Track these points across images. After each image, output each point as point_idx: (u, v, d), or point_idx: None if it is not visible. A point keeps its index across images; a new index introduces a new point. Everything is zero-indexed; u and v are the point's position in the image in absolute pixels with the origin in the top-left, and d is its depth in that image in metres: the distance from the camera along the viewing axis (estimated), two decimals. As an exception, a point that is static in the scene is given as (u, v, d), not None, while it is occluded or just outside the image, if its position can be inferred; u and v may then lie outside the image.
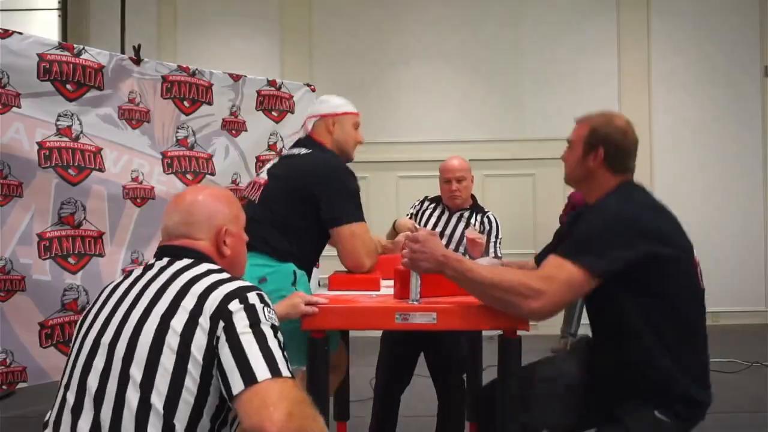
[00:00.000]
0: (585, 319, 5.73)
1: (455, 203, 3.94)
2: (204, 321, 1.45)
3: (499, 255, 3.85)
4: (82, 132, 3.71)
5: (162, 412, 1.39)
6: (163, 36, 8.07)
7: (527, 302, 2.04)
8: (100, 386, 1.46)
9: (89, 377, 1.50)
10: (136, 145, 4.00)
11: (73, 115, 3.68)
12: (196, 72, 4.39)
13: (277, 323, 1.51)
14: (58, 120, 3.61)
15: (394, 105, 8.15)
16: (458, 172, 3.89)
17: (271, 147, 4.94)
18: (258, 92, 4.83)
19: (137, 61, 4.04)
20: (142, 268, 1.70)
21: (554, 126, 7.97)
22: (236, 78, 4.67)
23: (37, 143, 3.50)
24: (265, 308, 1.50)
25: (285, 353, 1.44)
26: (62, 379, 1.60)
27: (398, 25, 8.17)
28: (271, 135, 4.94)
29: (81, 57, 3.71)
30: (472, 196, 4.10)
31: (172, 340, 1.44)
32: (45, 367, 3.52)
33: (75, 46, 3.73)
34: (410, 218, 3.96)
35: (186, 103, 4.32)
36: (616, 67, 8.11)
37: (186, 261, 1.66)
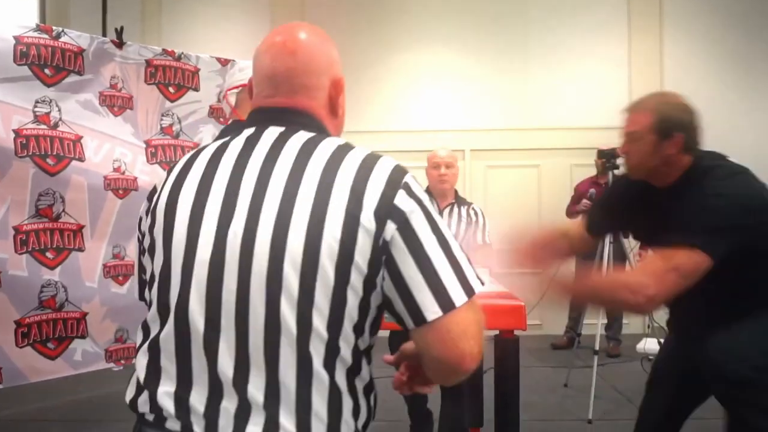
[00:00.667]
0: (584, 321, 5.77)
1: (444, 188, 4.19)
2: (367, 220, 1.22)
3: (488, 241, 4.21)
4: (61, 119, 3.72)
5: (326, 335, 1.22)
6: (147, 18, 8.08)
7: (642, 294, 2.13)
8: (240, 301, 1.23)
9: (222, 291, 1.25)
10: (118, 133, 4.01)
11: (51, 101, 3.69)
12: (182, 56, 4.40)
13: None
14: (35, 106, 3.62)
15: (391, 92, 8.16)
16: (447, 158, 4.17)
17: (261, 135, 4.97)
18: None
19: (119, 44, 4.04)
20: (242, 140, 1.38)
21: (560, 114, 8.00)
22: (224, 62, 4.68)
23: (14, 131, 3.51)
24: (430, 199, 1.33)
25: (464, 253, 1.30)
26: (158, 302, 1.33)
27: (397, 7, 8.18)
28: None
29: (60, 40, 3.72)
30: (455, 191, 4.34)
31: (331, 244, 1.21)
32: (21, 367, 3.53)
33: (54, 28, 3.73)
34: None
35: (171, 89, 4.34)
36: (626, 52, 8.12)
37: (306, 134, 1.37)
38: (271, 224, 1.24)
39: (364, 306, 1.24)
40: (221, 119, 4.64)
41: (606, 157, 5.37)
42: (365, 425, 1.32)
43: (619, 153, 2.50)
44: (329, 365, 1.23)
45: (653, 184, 2.44)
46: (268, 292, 1.21)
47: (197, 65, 4.49)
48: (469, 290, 1.25)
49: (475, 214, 4.25)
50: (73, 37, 3.79)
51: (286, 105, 1.43)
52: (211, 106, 4.58)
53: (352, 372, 1.26)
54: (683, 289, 2.14)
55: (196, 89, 4.49)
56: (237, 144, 1.37)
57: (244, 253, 1.24)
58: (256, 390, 1.22)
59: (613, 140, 6.96)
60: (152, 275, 1.35)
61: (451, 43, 8.14)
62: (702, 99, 8.29)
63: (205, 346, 1.25)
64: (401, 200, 1.25)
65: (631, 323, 7.64)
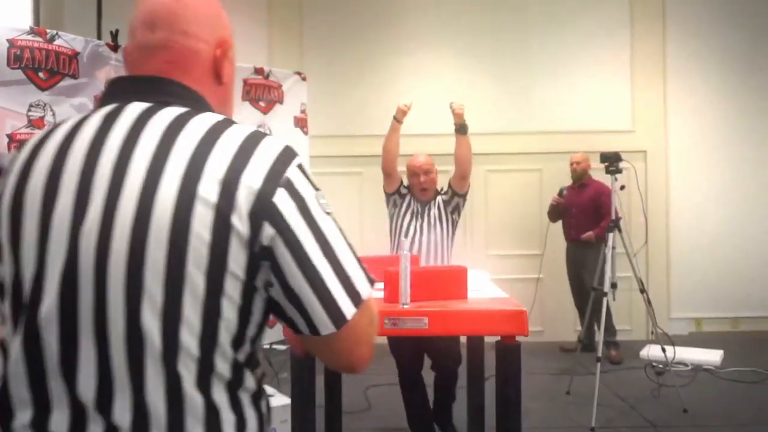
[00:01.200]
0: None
1: (427, 197, 4.48)
2: (239, 221, 1.09)
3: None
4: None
5: (198, 352, 1.11)
6: (143, 20, 8.08)
7: None
8: (99, 314, 1.10)
9: (79, 303, 1.10)
10: (113, 137, 4.01)
11: (45, 105, 3.70)
12: (178, 59, 4.41)
13: (331, 207, 1.22)
14: (29, 110, 3.63)
15: (391, 94, 8.15)
16: (425, 165, 4.47)
17: (258, 140, 4.97)
18: (244, 81, 4.85)
19: (115, 47, 4.05)
20: (99, 119, 1.20)
21: (563, 117, 8.00)
22: (221, 66, 4.69)
23: (7, 135, 3.52)
24: (317, 193, 1.20)
25: (352, 250, 1.22)
26: (10, 318, 1.17)
27: (397, 9, 8.18)
28: (258, 127, 4.91)
29: (54, 43, 3.73)
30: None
31: (198, 249, 1.08)
32: None
33: (48, 31, 3.74)
34: (402, 197, 4.58)
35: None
36: (628, 55, 8.12)
37: (175, 110, 1.19)
38: (129, 224, 1.09)
39: (244, 315, 1.14)
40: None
41: (609, 161, 5.38)
42: None
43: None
44: (203, 384, 1.12)
45: None
46: (128, 306, 1.09)
47: (193, 68, 4.49)
48: (357, 299, 1.18)
49: (442, 190, 4.60)
50: (68, 40, 3.80)
51: (155, 72, 1.25)
52: (207, 110, 4.58)
53: (233, 386, 1.16)
54: None
55: (193, 93, 4.49)
56: (93, 124, 1.19)
57: (100, 259, 1.09)
58: (122, 414, 1.09)
59: (615, 144, 7.00)
60: (1, 286, 1.19)
61: (450, 47, 8.14)
62: (706, 103, 8.34)
63: (61, 366, 1.11)
64: (281, 199, 1.12)
65: (635, 330, 7.63)
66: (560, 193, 6.97)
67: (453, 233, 4.46)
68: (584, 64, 8.09)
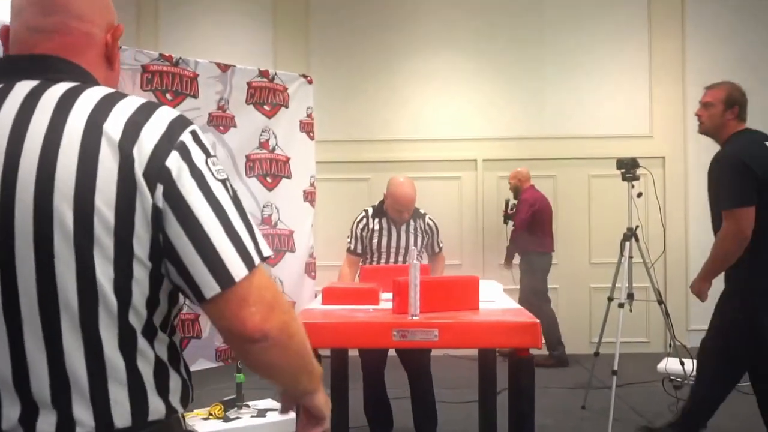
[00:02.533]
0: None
1: (402, 220, 4.47)
2: (140, 183, 1.15)
3: (440, 247, 4.69)
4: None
5: (116, 313, 1.17)
6: (143, 21, 8.13)
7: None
8: (7, 284, 1.15)
9: None
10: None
11: None
12: (180, 61, 4.44)
13: (226, 174, 1.26)
14: None
15: (400, 98, 8.18)
16: (410, 204, 4.40)
17: (262, 145, 4.99)
18: (248, 84, 4.87)
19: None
20: None
21: (577, 122, 7.99)
22: (224, 68, 4.71)
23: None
24: (208, 158, 1.24)
25: (245, 217, 1.25)
26: None
27: (405, 10, 8.20)
28: (262, 131, 4.98)
29: None
30: None
31: (104, 214, 1.14)
32: None
33: None
34: (361, 232, 4.55)
35: (168, 96, 4.37)
36: (647, 58, 8.12)
37: (66, 84, 1.23)
38: (31, 194, 1.13)
39: (156, 277, 1.20)
40: (221, 127, 4.67)
41: (625, 167, 5.37)
42: (183, 399, 1.29)
43: (695, 114, 3.90)
44: (124, 346, 1.18)
45: None
46: (41, 273, 1.14)
47: (196, 71, 4.52)
48: (249, 262, 1.20)
49: (429, 227, 4.57)
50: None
51: (45, 51, 1.27)
52: (210, 114, 4.61)
53: (153, 349, 1.23)
54: None
55: (195, 96, 4.52)
56: None
57: (4, 233, 1.14)
58: (40, 385, 1.15)
59: (632, 149, 6.98)
60: None
61: (462, 49, 8.14)
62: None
63: None
64: (173, 161, 1.18)
65: (652, 342, 7.61)
66: (507, 203, 7.29)
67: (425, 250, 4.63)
68: (601, 66, 8.08)
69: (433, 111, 8.16)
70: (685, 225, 7.93)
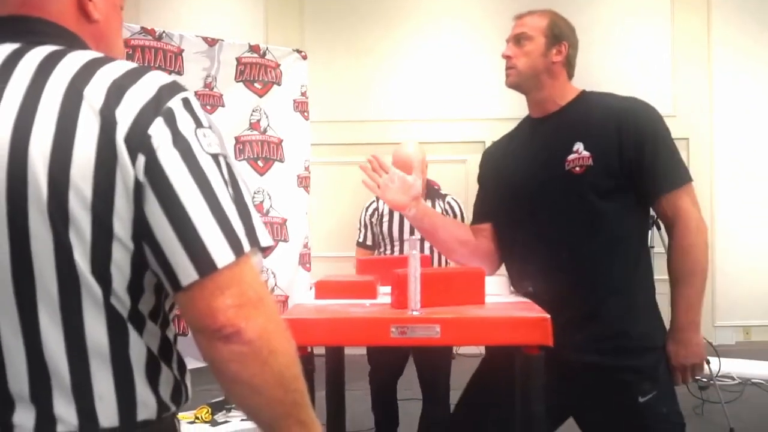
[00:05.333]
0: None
1: None
2: (121, 153, 1.10)
3: None
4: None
5: (101, 297, 1.13)
6: (125, -9, 8.10)
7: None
8: None
9: None
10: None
11: None
12: (164, 35, 4.43)
13: (219, 148, 1.20)
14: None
15: (402, 75, 8.16)
16: (409, 164, 3.91)
17: (253, 126, 4.99)
18: (238, 60, 4.87)
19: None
20: None
21: (595, 101, 7.98)
22: (211, 42, 4.70)
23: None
24: (199, 128, 1.17)
25: (241, 197, 1.20)
26: None
27: (408, -21, 8.18)
28: (253, 111, 4.99)
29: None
30: (429, 182, 4.39)
31: (81, 188, 1.10)
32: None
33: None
34: (370, 219, 4.40)
35: (164, 72, 4.37)
36: (669, 29, 8.09)
37: (48, 48, 1.20)
38: (5, 162, 1.10)
39: (138, 261, 1.14)
40: (208, 107, 4.66)
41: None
42: (175, 396, 1.25)
43: (503, 56, 2.74)
44: (110, 335, 1.14)
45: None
46: (15, 252, 1.11)
47: (181, 45, 4.51)
48: (237, 247, 1.13)
49: (451, 207, 4.35)
50: None
51: (19, 12, 1.24)
52: (196, 92, 4.59)
53: (140, 338, 1.18)
54: None
55: (180, 73, 4.52)
56: None
57: None
58: (16, 378, 1.13)
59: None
60: None
61: (467, 21, 8.12)
62: (758, 83, 8.24)
63: None
64: (156, 129, 1.12)
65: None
66: None
67: None
68: (619, 41, 8.06)
69: (438, 88, 8.14)
70: (711, 211, 7.90)
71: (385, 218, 4.30)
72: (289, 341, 1.19)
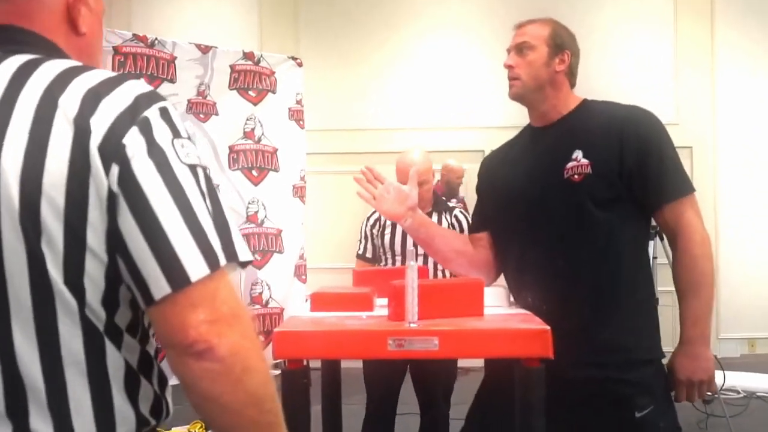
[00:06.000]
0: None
1: (420, 207, 4.14)
2: (94, 163, 1.09)
3: None
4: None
5: (76, 309, 1.13)
6: (116, -2, 8.13)
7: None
8: None
9: None
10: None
11: None
12: (156, 42, 4.43)
13: (197, 159, 1.19)
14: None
15: (400, 83, 8.17)
16: (421, 176, 3.90)
17: (247, 134, 4.99)
18: (232, 67, 4.87)
19: (83, 29, 4.07)
20: None
21: (596, 108, 7.99)
22: (205, 50, 4.71)
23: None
24: (176, 138, 1.17)
25: (219, 210, 1.18)
26: None
27: (405, -15, 8.20)
28: (247, 120, 4.98)
29: None
30: (435, 193, 4.37)
31: (53, 198, 1.09)
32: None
33: None
34: (371, 230, 4.34)
35: (143, 81, 4.36)
36: (672, 35, 8.11)
37: (24, 57, 1.20)
38: None
39: (112, 274, 1.13)
40: (201, 115, 4.66)
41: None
42: (155, 411, 1.24)
43: (505, 66, 2.73)
44: (87, 349, 1.13)
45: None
46: None
47: (173, 53, 4.51)
48: (212, 260, 1.12)
49: (458, 221, 4.27)
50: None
51: (1, 22, 1.25)
52: (189, 101, 4.61)
53: (118, 352, 1.17)
54: None
55: (172, 81, 4.51)
56: None
57: None
58: None
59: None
60: None
61: (464, 26, 8.13)
62: (762, 90, 8.23)
63: None
64: (131, 138, 1.11)
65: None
66: None
67: None
68: (620, 46, 8.09)
69: (437, 97, 8.15)
70: (714, 221, 7.92)
71: (387, 230, 4.23)
72: (263, 360, 1.17)
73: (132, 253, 1.10)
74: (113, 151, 1.10)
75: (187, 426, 4.23)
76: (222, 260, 1.13)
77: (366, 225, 4.36)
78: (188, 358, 1.11)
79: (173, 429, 4.24)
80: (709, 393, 2.54)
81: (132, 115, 1.13)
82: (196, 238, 1.12)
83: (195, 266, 1.11)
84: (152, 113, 1.15)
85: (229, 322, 1.12)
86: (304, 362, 2.23)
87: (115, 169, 1.09)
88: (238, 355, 1.12)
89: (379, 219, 4.29)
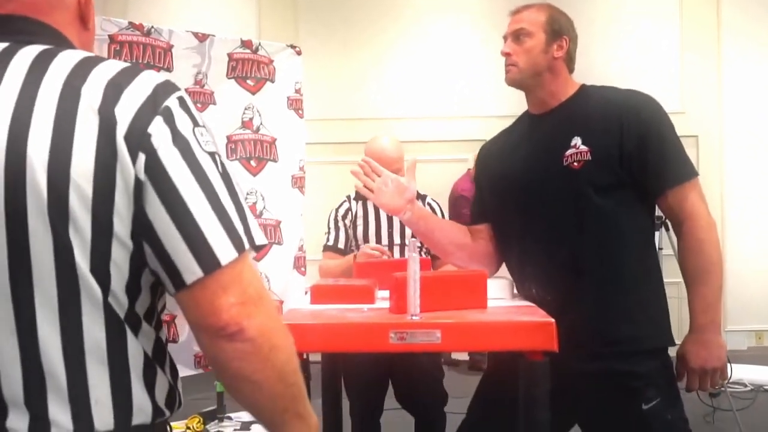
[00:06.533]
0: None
1: None
2: (120, 151, 1.14)
3: None
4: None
5: (100, 296, 1.17)
6: (111, -15, 8.11)
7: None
8: None
9: None
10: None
11: None
12: (152, 30, 4.43)
13: (215, 147, 1.25)
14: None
15: (401, 71, 8.15)
16: (392, 165, 3.71)
17: (245, 124, 4.99)
18: (229, 56, 4.86)
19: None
20: None
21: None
22: (202, 38, 4.70)
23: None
24: (196, 127, 1.23)
25: (236, 196, 1.24)
26: None
27: (405, -29, 8.18)
28: (245, 109, 4.98)
29: (8, 13, 3.74)
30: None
31: (81, 186, 1.13)
32: None
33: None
34: (342, 221, 4.16)
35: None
36: (677, 20, 8.08)
37: (38, 47, 1.23)
38: (1, 168, 1.12)
39: (137, 260, 1.18)
40: (199, 104, 4.66)
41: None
42: (169, 401, 1.28)
43: (502, 54, 2.69)
44: (109, 338, 1.18)
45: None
46: (13, 251, 1.13)
47: (170, 41, 4.51)
48: (239, 244, 1.19)
49: (431, 208, 4.18)
50: None
51: (12, 11, 1.27)
52: (186, 90, 4.58)
53: (136, 340, 1.21)
54: None
55: (169, 69, 4.51)
56: None
57: None
58: (10, 381, 1.15)
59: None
60: None
61: (471, 14, 8.10)
62: (766, 74, 8.15)
63: None
64: (156, 128, 1.16)
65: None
66: None
67: None
68: (624, 31, 8.06)
69: (438, 85, 8.14)
70: (721, 211, 7.90)
71: (360, 221, 4.13)
72: (287, 336, 1.25)
73: (162, 238, 1.15)
74: (139, 140, 1.15)
75: (185, 420, 4.23)
76: (246, 244, 1.20)
77: (334, 215, 4.21)
78: (221, 340, 1.17)
79: (172, 423, 4.24)
80: (720, 381, 2.53)
81: (154, 105, 1.18)
82: (222, 223, 1.18)
83: (224, 250, 1.17)
84: (172, 102, 1.21)
85: (256, 303, 1.19)
86: (304, 356, 2.24)
87: (141, 158, 1.14)
88: (265, 335, 1.19)
89: (350, 209, 4.17)
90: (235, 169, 4.92)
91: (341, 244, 4.12)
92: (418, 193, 4.18)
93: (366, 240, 4.06)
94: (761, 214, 7.96)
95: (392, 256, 3.96)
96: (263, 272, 5.00)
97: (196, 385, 4.94)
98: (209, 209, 1.17)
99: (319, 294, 2.62)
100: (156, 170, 1.15)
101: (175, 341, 4.47)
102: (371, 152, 3.91)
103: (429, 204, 4.25)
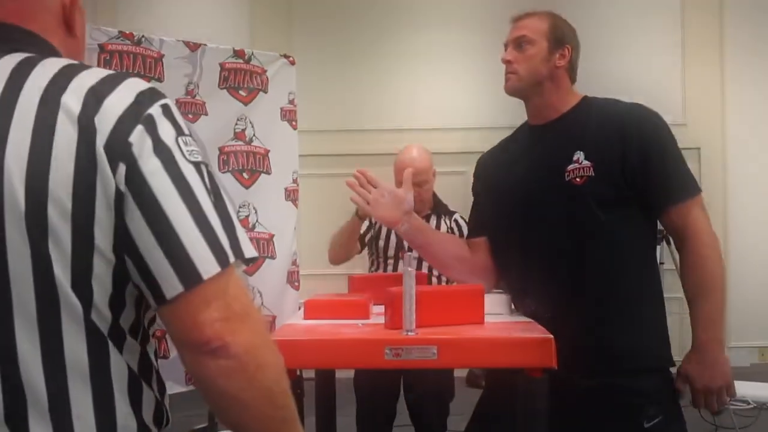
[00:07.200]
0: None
1: (418, 209, 4.02)
2: (100, 162, 1.12)
3: None
4: None
5: (81, 311, 1.15)
6: (101, -7, 8.12)
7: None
8: None
9: None
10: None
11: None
12: (143, 39, 4.42)
13: (200, 156, 1.22)
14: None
15: (396, 82, 8.16)
16: (420, 175, 3.88)
17: (238, 135, 4.97)
18: (221, 65, 4.86)
19: (67, 26, 4.07)
20: None
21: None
22: (193, 47, 4.70)
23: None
24: (180, 136, 1.20)
25: (224, 207, 1.22)
26: None
27: (401, -20, 8.20)
28: (238, 120, 4.96)
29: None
30: (435, 195, 4.31)
31: (60, 198, 1.12)
32: None
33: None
34: (365, 232, 4.25)
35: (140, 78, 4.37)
36: (679, 32, 8.11)
37: (21, 55, 1.22)
38: None
39: (119, 273, 1.17)
40: (190, 115, 4.66)
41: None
42: (156, 418, 1.27)
43: (503, 61, 2.70)
44: (90, 353, 1.16)
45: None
46: None
47: (161, 50, 4.50)
48: (222, 258, 1.16)
49: (458, 226, 4.21)
50: None
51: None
52: (177, 100, 4.59)
53: (120, 355, 1.20)
54: None
55: (160, 79, 4.50)
56: None
57: None
58: None
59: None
60: None
61: (464, 23, 8.13)
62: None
63: None
64: (137, 137, 1.15)
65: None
66: None
67: None
68: (627, 44, 8.08)
69: (435, 96, 8.14)
70: (724, 225, 7.91)
71: (383, 232, 4.18)
72: (276, 355, 1.22)
73: (142, 252, 1.14)
74: (119, 149, 1.13)
75: (176, 439, 4.22)
76: (231, 257, 1.18)
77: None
78: (204, 357, 1.15)
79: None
80: (728, 398, 2.53)
81: (136, 113, 1.16)
82: (205, 236, 1.16)
83: (206, 264, 1.15)
84: (155, 111, 1.19)
85: (242, 319, 1.17)
86: (297, 372, 2.24)
87: (122, 168, 1.13)
88: (250, 353, 1.16)
89: (373, 225, 4.23)
90: (227, 181, 4.90)
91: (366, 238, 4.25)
92: (447, 208, 4.22)
93: (386, 254, 4.14)
94: (765, 227, 7.97)
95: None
96: (255, 287, 4.98)
97: (187, 402, 4.92)
98: (191, 222, 1.15)
99: (312, 309, 2.62)
100: (136, 181, 1.13)
101: (166, 357, 4.45)
102: (401, 162, 3.99)
103: (456, 220, 4.25)
